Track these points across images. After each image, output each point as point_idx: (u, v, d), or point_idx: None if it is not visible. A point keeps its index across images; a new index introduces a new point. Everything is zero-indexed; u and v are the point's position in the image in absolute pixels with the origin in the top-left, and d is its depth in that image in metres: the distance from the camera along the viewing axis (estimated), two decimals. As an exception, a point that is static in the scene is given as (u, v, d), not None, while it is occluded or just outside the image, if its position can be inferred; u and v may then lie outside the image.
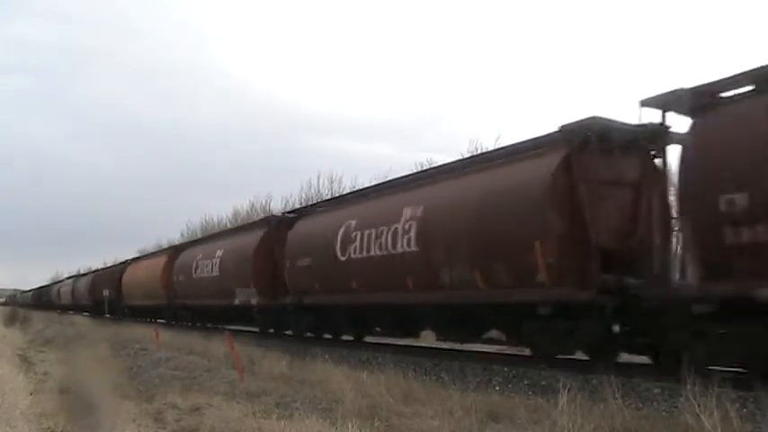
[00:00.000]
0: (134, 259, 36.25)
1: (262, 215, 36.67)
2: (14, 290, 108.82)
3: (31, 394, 9.12)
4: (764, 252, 6.69)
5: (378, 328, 14.46)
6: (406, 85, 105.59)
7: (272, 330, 18.17)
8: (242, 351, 11.96)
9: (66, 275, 69.69)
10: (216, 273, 20.78)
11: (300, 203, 35.80)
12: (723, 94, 7.83)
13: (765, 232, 6.65)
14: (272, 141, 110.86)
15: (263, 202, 45.61)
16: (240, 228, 25.04)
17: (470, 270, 10.23)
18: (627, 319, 8.78)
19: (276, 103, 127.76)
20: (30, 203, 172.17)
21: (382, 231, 12.16)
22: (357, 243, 12.91)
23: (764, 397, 6.12)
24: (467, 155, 24.14)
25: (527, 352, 10.70)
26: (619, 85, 76.37)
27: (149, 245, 55.33)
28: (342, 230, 13.56)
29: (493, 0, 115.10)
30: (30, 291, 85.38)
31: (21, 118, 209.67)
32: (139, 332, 21.12)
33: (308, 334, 16.47)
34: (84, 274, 51.43)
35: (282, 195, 43.01)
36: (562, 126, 9.45)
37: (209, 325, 22.58)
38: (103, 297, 35.85)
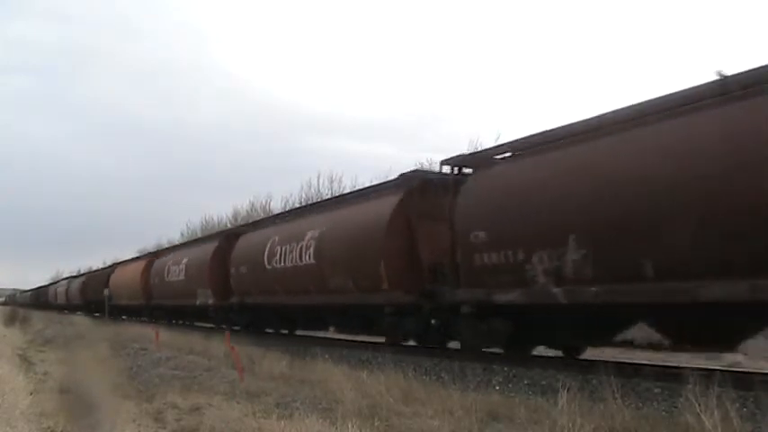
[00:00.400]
0: (119, 263, 39.20)
1: (262, 215, 36.96)
2: (14, 289, 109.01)
3: (31, 394, 9.12)
4: (497, 271, 9.87)
5: (299, 324, 18.11)
6: (406, 85, 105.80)
7: (223, 326, 19.84)
8: (242, 351, 11.97)
9: (66, 275, 70.84)
10: (182, 277, 23.94)
11: (301, 203, 35.91)
12: (497, 157, 11.00)
13: (497, 258, 9.88)
14: (272, 141, 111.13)
15: (263, 202, 45.70)
16: (202, 239, 28.88)
17: (346, 279, 13.58)
18: (440, 316, 11.81)
19: (276, 103, 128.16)
20: (30, 203, 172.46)
21: (293, 247, 15.47)
22: (277, 255, 16.30)
23: (765, 397, 6.12)
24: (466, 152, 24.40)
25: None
26: (619, 85, 76.41)
27: (149, 245, 55.42)
28: (268, 245, 16.91)
29: (493, 0, 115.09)
30: (28, 291, 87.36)
31: (21, 118, 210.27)
32: (139, 332, 21.13)
33: (251, 328, 19.42)
34: (76, 276, 54.29)
35: (282, 195, 43.09)
36: (400, 175, 13.45)
37: (181, 322, 26.58)
38: (92, 298, 39.28)
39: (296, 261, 15.39)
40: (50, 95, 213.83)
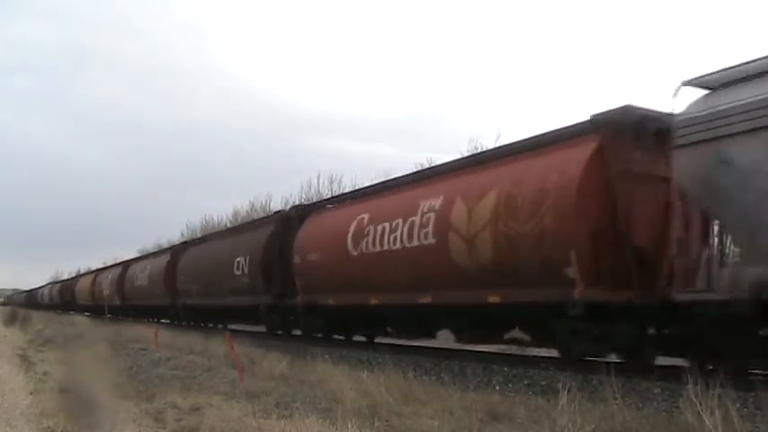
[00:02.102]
0: (83, 274, 55.52)
1: (262, 215, 36.88)
2: (14, 289, 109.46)
3: (31, 394, 9.12)
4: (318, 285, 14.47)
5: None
6: (406, 85, 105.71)
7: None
8: (242, 351, 11.97)
9: (66, 275, 75.04)
10: (145, 282, 29.62)
11: (300, 202, 35.73)
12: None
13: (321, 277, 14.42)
14: (272, 141, 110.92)
15: (263, 202, 45.72)
16: (157, 252, 34.49)
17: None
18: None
19: (276, 103, 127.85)
20: (30, 203, 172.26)
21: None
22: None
23: (765, 397, 6.12)
24: (466, 154, 24.29)
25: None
26: (618, 84, 76.37)
27: (149, 245, 55.61)
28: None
29: (492, 0, 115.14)
30: (23, 293, 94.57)
31: (21, 118, 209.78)
32: (139, 332, 21.13)
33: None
34: (55, 282, 68.87)
35: (282, 195, 43.05)
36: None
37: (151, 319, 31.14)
38: (66, 298, 52.83)
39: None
40: (50, 95, 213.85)
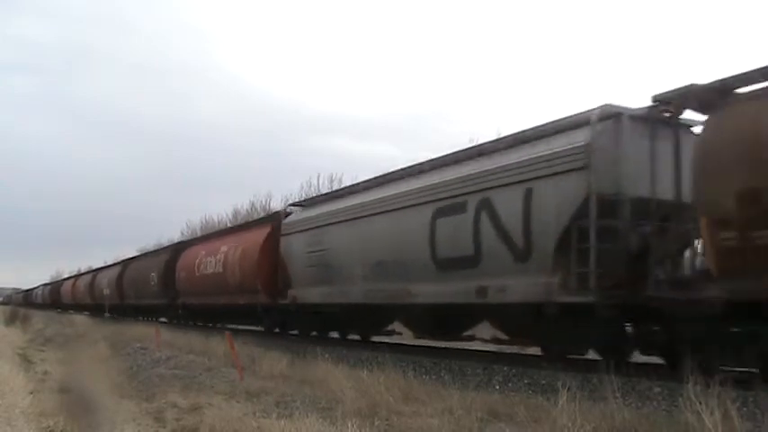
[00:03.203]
0: (67, 278, 63.92)
1: (263, 214, 36.93)
2: (14, 289, 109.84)
3: (31, 393, 9.12)
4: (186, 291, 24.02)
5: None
6: (407, 85, 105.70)
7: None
8: (242, 350, 11.97)
9: (66, 275, 75.82)
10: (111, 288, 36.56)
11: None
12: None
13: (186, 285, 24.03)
14: (272, 141, 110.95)
15: (263, 202, 45.76)
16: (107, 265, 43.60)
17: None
18: None
19: (276, 103, 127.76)
20: (30, 203, 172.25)
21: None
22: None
23: (765, 396, 6.12)
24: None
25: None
26: (618, 84, 76.39)
27: (149, 244, 55.72)
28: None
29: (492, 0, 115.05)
30: (21, 293, 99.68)
31: (21, 118, 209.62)
32: (139, 331, 21.13)
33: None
34: (46, 284, 77.55)
35: (282, 195, 43.07)
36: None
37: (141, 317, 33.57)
38: (55, 298, 61.57)
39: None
40: (50, 95, 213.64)
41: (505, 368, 9.67)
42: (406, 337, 14.31)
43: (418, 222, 11.38)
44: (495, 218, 9.90)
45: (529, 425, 6.26)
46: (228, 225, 41.25)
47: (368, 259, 12.95)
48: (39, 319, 35.45)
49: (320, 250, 14.78)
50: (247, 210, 46.63)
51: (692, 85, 8.11)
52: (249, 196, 62.24)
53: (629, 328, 9.00)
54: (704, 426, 5.09)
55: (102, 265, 51.72)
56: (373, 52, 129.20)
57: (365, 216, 13.17)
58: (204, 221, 54.19)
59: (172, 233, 59.47)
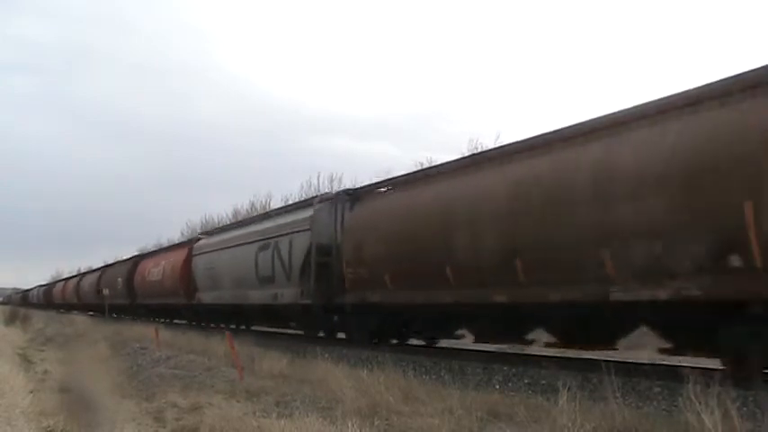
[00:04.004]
0: (60, 280, 69.50)
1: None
2: (14, 289, 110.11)
3: (31, 393, 9.12)
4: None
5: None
6: (407, 85, 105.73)
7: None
8: (242, 350, 11.96)
9: (66, 275, 76.12)
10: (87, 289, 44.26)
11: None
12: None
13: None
14: (272, 141, 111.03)
15: (263, 202, 45.77)
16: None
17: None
18: None
19: (276, 103, 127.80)
20: (30, 203, 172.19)
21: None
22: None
23: (765, 396, 6.11)
24: (466, 154, 25.61)
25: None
26: (618, 84, 76.37)
27: (149, 244, 55.79)
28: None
29: (493, 0, 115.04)
30: (19, 293, 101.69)
31: (21, 118, 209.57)
32: (139, 331, 21.14)
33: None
34: (42, 286, 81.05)
35: (282, 195, 43.17)
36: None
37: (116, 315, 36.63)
38: (49, 298, 66.05)
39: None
40: (50, 95, 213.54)
41: (505, 368, 9.67)
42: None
43: (250, 254, 18.65)
44: (279, 254, 16.87)
45: (529, 425, 6.26)
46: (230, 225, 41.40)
47: (232, 275, 20.33)
48: (39, 318, 35.48)
49: (211, 268, 22.26)
50: (247, 210, 46.60)
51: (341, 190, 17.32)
52: (249, 196, 62.24)
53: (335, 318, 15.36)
54: (704, 426, 5.09)
55: (101, 265, 52.17)
56: (373, 52, 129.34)
57: (230, 248, 20.87)
58: (204, 221, 54.22)
59: (172, 233, 59.57)
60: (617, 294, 8.22)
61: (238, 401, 8.28)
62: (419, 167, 19.54)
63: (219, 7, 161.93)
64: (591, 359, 9.77)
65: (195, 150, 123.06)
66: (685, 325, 8.19)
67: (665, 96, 8.34)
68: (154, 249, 37.44)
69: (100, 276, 41.73)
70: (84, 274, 53.16)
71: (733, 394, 5.63)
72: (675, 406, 6.35)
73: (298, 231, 15.90)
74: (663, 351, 8.97)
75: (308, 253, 15.16)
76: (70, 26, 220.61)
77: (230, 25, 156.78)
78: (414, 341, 14.21)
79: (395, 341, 14.04)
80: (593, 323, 9.53)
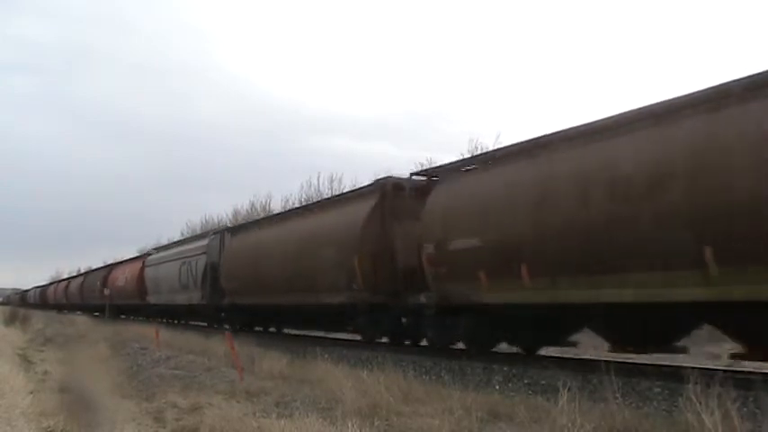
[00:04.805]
0: (54, 282, 74.53)
1: (262, 215, 36.97)
2: (14, 289, 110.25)
3: (31, 393, 9.11)
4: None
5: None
6: (407, 85, 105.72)
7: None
8: (242, 350, 11.97)
9: (66, 275, 76.85)
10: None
11: (301, 203, 35.92)
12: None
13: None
14: (272, 141, 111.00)
15: (263, 202, 45.82)
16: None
17: None
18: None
19: (276, 103, 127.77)
20: (30, 203, 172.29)
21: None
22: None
23: (765, 396, 6.11)
24: (466, 154, 25.49)
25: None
26: (618, 84, 76.41)
27: (149, 244, 55.83)
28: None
29: (493, 0, 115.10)
30: (18, 293, 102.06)
31: (21, 118, 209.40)
32: (139, 331, 21.14)
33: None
34: (38, 287, 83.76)
35: (282, 195, 43.24)
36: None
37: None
38: (44, 298, 69.78)
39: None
40: (50, 95, 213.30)
41: (505, 368, 9.67)
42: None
43: (176, 268, 25.58)
44: (190, 269, 24.00)
45: (529, 425, 6.26)
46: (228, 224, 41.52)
47: (166, 283, 27.27)
48: (38, 319, 35.47)
49: (156, 277, 29.18)
50: (247, 210, 46.66)
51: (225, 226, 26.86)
52: (249, 196, 62.38)
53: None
54: (704, 426, 5.09)
55: (103, 263, 52.63)
56: (373, 52, 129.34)
57: (166, 262, 27.90)
58: (204, 221, 54.30)
59: (172, 233, 59.71)
60: None
61: (238, 402, 8.27)
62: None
63: (219, 7, 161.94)
64: (591, 359, 9.77)
65: (195, 150, 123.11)
66: None
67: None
68: (121, 260, 42.41)
69: (83, 281, 49.74)
70: (71, 278, 60.49)
71: (733, 394, 5.63)
72: (675, 406, 6.35)
73: (200, 254, 23.37)
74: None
75: (205, 269, 22.40)
76: (70, 26, 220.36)
77: (230, 25, 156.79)
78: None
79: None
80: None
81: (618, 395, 6.45)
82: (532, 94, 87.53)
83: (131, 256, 43.86)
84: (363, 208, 13.80)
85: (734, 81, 7.48)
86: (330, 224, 15.20)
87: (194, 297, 23.21)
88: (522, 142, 10.62)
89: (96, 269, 49.94)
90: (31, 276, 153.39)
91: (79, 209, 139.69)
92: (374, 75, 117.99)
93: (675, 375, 7.25)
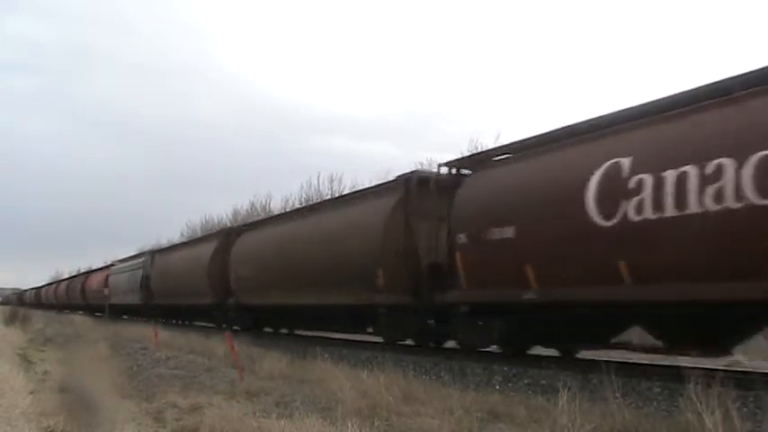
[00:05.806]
0: (51, 283, 78.66)
1: (262, 215, 36.96)
2: (14, 289, 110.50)
3: (31, 393, 9.11)
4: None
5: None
6: (407, 85, 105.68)
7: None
8: (242, 350, 11.97)
9: (66, 275, 76.94)
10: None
11: (301, 203, 35.94)
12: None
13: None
14: (273, 141, 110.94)
15: (263, 202, 45.85)
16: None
17: None
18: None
19: (276, 103, 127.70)
20: (30, 203, 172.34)
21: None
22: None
23: (765, 396, 6.12)
24: (466, 153, 25.27)
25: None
26: (618, 84, 76.44)
27: (149, 244, 56.03)
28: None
29: (493, 0, 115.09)
30: (16, 293, 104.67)
31: (21, 118, 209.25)
32: (139, 331, 21.13)
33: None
34: (33, 288, 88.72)
35: (282, 195, 43.26)
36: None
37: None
38: (40, 298, 75.91)
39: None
40: (50, 95, 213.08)
41: (505, 368, 9.67)
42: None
43: (127, 276, 34.26)
44: (135, 278, 32.11)
45: (529, 425, 6.26)
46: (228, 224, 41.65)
47: (123, 287, 34.41)
48: (38, 318, 35.48)
49: (116, 283, 36.60)
50: (247, 210, 46.70)
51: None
52: (249, 196, 62.40)
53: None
54: (704, 426, 5.09)
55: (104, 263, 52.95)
56: (373, 52, 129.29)
57: (123, 273, 35.38)
58: (204, 221, 54.38)
59: (172, 233, 59.72)
60: None
61: (238, 402, 8.27)
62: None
63: (219, 7, 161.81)
64: (591, 359, 9.78)
65: (195, 150, 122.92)
66: None
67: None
68: (96, 268, 49.77)
69: (68, 284, 58.17)
70: (60, 281, 69.14)
71: (733, 394, 5.63)
72: (676, 406, 6.36)
73: (140, 267, 31.42)
74: None
75: (143, 278, 30.47)
76: (70, 26, 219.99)
77: (230, 25, 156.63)
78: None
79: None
80: None
81: (618, 395, 6.45)
82: (532, 94, 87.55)
83: (102, 265, 51.58)
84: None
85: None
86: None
87: (137, 298, 31.62)
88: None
89: (77, 275, 59.22)
90: (31, 276, 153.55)
91: (79, 209, 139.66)
92: (374, 75, 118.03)
93: (675, 375, 7.25)
